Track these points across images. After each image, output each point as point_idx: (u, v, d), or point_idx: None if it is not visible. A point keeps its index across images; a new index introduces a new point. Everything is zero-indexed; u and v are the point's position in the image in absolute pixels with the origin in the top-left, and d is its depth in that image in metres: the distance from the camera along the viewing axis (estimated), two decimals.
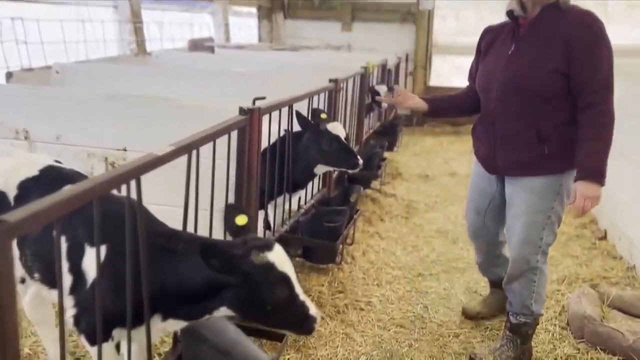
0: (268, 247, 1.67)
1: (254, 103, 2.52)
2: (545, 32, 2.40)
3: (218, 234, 2.28)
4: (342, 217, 3.33)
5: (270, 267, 1.63)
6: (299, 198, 3.61)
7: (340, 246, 3.57)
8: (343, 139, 3.10)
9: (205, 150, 2.04)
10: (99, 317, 1.52)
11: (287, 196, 3.40)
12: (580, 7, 2.43)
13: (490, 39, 2.66)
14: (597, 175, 2.31)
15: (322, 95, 3.79)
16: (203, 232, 2.11)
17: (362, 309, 3.26)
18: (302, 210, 3.55)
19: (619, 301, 3.25)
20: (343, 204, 3.72)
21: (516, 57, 2.46)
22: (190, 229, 1.94)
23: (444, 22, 10.07)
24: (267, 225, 3.46)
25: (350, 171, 3.18)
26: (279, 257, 1.67)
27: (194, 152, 1.88)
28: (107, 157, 2.63)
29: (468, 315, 3.19)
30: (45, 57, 4.75)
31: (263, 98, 2.56)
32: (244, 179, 2.43)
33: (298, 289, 1.69)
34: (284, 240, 3.23)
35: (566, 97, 2.40)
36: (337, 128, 3.11)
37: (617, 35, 8.18)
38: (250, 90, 4.07)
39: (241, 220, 1.82)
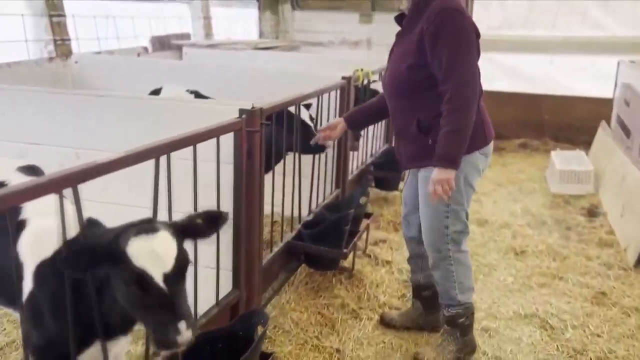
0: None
1: None
2: (410, 29, 2.46)
3: None
4: None
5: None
6: None
7: None
8: (161, 278, 1.43)
9: None
10: None
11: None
12: None
13: (394, 44, 2.67)
14: (444, 160, 2.36)
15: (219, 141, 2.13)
16: None
17: None
18: None
19: None
20: (245, 334, 2.05)
21: (393, 60, 2.61)
22: None
23: (487, 12, 8.13)
24: None
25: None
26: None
27: None
28: None
29: (383, 321, 3.08)
30: None
31: None
32: None
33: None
34: None
35: (437, 88, 2.42)
36: (151, 253, 1.42)
37: None
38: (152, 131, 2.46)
39: None
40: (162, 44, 6.09)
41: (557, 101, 7.35)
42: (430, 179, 2.39)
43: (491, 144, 2.59)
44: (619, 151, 5.05)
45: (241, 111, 2.33)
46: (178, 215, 2.12)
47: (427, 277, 2.95)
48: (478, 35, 2.41)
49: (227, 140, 2.28)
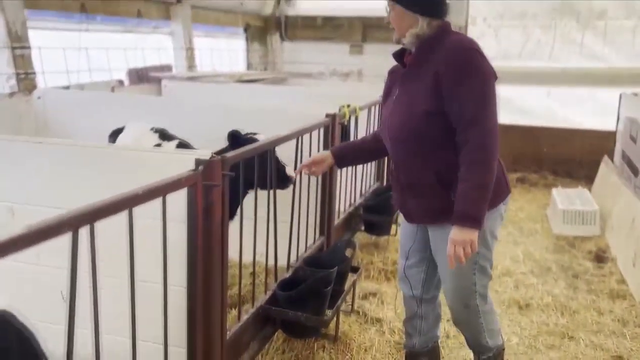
0: None
1: None
2: (419, 70, 2.21)
3: None
4: None
5: None
6: None
7: None
8: None
9: None
10: None
11: None
12: (460, 34, 2.28)
13: (390, 82, 2.41)
14: (466, 218, 2.09)
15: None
16: None
17: None
18: None
19: None
20: None
21: (398, 103, 2.29)
22: None
23: (481, 43, 7.78)
24: None
25: None
26: None
27: None
28: None
29: None
30: None
31: None
32: None
33: None
34: None
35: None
36: None
37: None
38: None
39: None
40: (140, 76, 5.78)
41: (556, 134, 7.06)
42: (450, 239, 2.12)
43: None
44: (626, 190, 4.71)
45: (198, 162, 1.97)
46: (112, 282, 1.77)
47: (424, 342, 2.61)
48: (496, 77, 2.16)
49: (180, 195, 1.91)
